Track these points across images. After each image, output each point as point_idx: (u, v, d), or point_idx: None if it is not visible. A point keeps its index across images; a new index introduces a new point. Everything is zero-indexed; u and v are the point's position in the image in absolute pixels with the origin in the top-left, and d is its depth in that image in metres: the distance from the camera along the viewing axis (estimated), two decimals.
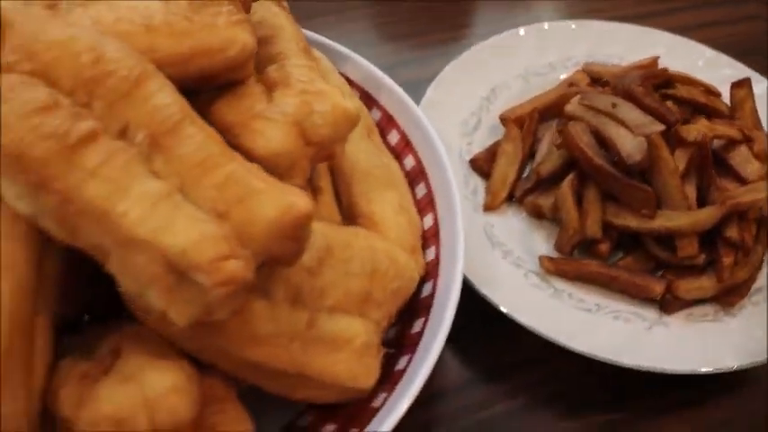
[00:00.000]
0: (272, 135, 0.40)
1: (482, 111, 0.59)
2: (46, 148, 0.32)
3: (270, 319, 0.39)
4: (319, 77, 0.44)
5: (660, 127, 0.49)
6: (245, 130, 0.40)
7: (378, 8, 0.81)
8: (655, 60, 0.59)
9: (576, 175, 0.50)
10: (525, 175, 0.56)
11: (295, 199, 0.36)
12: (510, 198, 0.55)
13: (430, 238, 0.47)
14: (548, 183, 0.53)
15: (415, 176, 0.50)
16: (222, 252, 0.33)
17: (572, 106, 0.52)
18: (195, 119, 0.37)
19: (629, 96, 0.50)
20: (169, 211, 0.33)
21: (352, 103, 0.45)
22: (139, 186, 0.33)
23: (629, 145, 0.48)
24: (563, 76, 0.62)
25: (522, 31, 0.64)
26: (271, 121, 0.40)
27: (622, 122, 0.49)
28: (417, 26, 0.80)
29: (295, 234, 0.36)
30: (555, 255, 0.52)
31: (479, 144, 0.57)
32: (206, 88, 0.41)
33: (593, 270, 0.49)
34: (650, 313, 0.49)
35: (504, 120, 0.57)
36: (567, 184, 0.50)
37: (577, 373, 0.50)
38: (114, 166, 0.33)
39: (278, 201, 0.36)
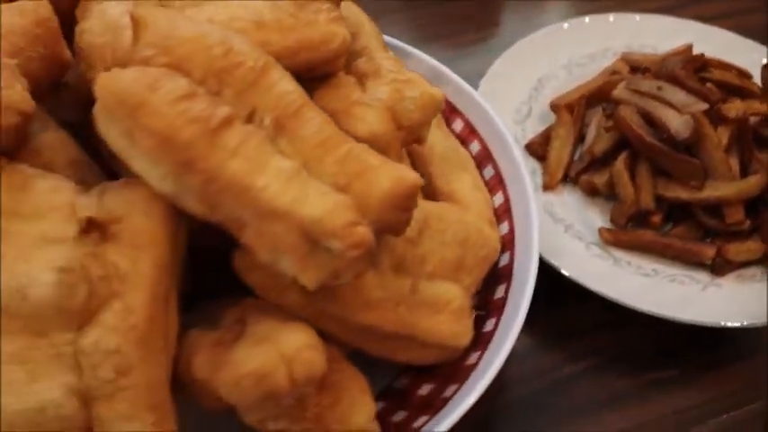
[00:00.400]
0: (371, 119, 0.43)
1: (532, 100, 0.62)
2: (192, 131, 0.35)
3: (379, 286, 0.42)
4: (404, 68, 0.47)
5: (704, 106, 0.53)
6: (346, 115, 0.43)
7: (415, 12, 0.85)
8: (689, 47, 0.63)
9: (628, 154, 0.54)
10: (577, 156, 0.59)
11: (405, 172, 0.39)
12: (564, 178, 0.58)
13: (501, 214, 0.50)
14: (599, 162, 0.57)
15: (482, 160, 0.53)
16: (352, 219, 0.36)
17: (619, 91, 0.56)
18: (312, 104, 0.40)
19: (673, 79, 0.54)
20: (301, 185, 0.36)
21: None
22: (274, 164, 0.36)
23: (677, 123, 0.52)
24: (603, 66, 0.65)
25: (565, 25, 0.68)
26: (369, 107, 0.44)
27: (668, 103, 0.53)
28: (449, 28, 0.84)
29: (405, 204, 0.40)
30: (610, 228, 0.55)
31: (532, 130, 0.61)
32: (304, 80, 0.45)
33: (648, 239, 0.53)
34: (703, 276, 0.53)
35: (554, 107, 0.61)
36: (621, 162, 0.53)
37: (636, 336, 0.53)
38: (250, 146, 0.36)
39: (391, 174, 0.39)
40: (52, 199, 0.37)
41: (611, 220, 0.55)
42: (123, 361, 0.36)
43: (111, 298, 0.37)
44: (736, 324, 0.49)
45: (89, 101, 0.45)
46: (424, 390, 0.45)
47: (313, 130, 0.38)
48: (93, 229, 0.37)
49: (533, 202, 0.48)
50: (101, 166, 0.46)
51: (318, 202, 0.36)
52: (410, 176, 0.39)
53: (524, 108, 0.62)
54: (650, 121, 0.53)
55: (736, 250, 0.51)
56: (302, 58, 0.42)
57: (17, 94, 0.36)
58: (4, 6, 0.41)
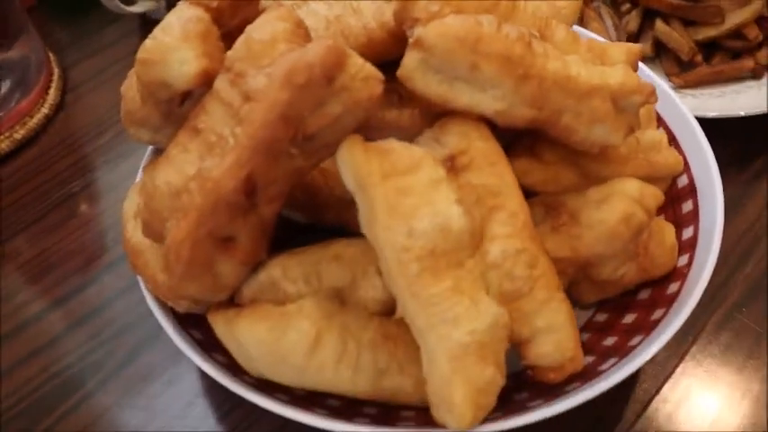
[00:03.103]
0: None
1: None
2: (520, 47, 0.42)
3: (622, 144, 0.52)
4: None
5: None
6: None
7: None
8: None
9: (661, 19, 0.69)
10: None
11: (630, 45, 0.50)
12: None
13: None
14: (634, 37, 0.71)
15: None
16: (637, 76, 0.46)
17: None
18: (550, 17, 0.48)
19: None
20: (593, 67, 0.45)
21: None
22: (570, 58, 0.45)
23: None
24: None
25: None
26: None
27: None
28: None
29: (637, 66, 0.50)
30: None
31: None
32: None
33: (705, 72, 0.68)
34: (752, 83, 0.69)
35: None
36: (662, 25, 0.68)
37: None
38: (550, 49, 0.44)
39: (622, 47, 0.49)
40: (413, 153, 0.41)
41: (667, 73, 0.70)
42: (530, 256, 0.42)
43: (491, 213, 0.43)
44: None
45: None
46: (629, 318, 0.50)
47: (564, 34, 0.47)
48: (451, 165, 0.43)
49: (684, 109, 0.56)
50: None
51: (614, 73, 0.45)
52: (635, 47, 0.49)
53: None
54: None
55: (762, 55, 0.69)
56: None
57: (367, 66, 0.40)
58: None
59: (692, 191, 0.54)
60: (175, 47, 0.44)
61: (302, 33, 0.44)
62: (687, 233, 0.52)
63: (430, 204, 0.40)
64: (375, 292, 0.44)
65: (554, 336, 0.43)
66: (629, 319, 0.50)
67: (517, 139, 0.49)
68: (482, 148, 0.44)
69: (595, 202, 0.46)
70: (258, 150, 0.39)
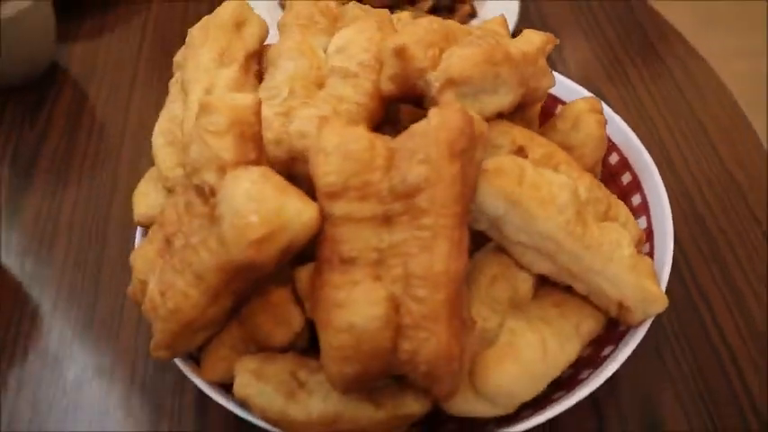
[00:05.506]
0: None
1: None
2: (500, 46, 0.53)
3: None
4: None
5: None
6: None
7: None
8: None
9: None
10: None
11: (498, 17, 0.63)
12: None
13: None
14: None
15: None
16: (541, 33, 0.60)
17: None
18: None
19: None
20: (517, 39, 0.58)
21: None
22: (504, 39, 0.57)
23: None
24: None
25: None
26: None
27: None
28: None
29: None
30: None
31: None
32: None
33: None
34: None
35: None
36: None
37: None
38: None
39: (497, 22, 0.63)
40: (510, 160, 0.50)
41: None
42: (595, 182, 0.55)
43: (558, 169, 0.54)
44: None
45: None
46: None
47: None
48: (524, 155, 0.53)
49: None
50: None
51: (533, 36, 0.59)
52: (501, 17, 0.63)
53: None
54: None
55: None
56: None
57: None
58: None
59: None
60: (281, 203, 0.43)
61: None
62: (626, 178, 0.66)
63: (550, 184, 0.49)
64: (529, 283, 0.52)
65: (629, 223, 0.57)
66: None
67: None
68: (519, 133, 0.54)
69: (570, 129, 0.60)
70: (461, 223, 0.43)
